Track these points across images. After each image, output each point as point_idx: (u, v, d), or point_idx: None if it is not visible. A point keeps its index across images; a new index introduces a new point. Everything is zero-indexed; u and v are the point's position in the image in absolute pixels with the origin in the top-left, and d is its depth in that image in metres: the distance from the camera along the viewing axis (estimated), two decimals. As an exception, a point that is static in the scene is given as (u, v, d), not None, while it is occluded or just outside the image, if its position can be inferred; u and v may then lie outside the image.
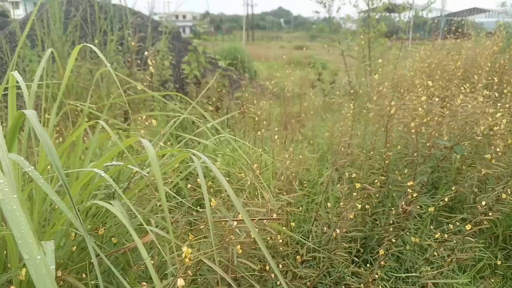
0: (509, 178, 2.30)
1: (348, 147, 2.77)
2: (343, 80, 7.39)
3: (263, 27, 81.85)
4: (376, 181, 2.40)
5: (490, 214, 2.32)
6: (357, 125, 2.84)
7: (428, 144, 2.22)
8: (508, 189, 2.23)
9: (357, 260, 2.14)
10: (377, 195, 2.43)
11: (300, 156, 3.30)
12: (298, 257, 1.64)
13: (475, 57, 3.98)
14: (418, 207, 2.18)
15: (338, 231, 1.67)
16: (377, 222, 2.35)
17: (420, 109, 2.16)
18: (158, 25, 13.62)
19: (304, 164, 3.08)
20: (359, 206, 1.70)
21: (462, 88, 3.15)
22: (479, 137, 2.22)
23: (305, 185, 2.81)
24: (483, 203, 1.85)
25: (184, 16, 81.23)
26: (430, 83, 2.99)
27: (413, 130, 2.17)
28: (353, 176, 2.69)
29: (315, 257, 1.84)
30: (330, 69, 10.11)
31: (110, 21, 4.92)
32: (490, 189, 2.45)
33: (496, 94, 2.86)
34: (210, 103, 4.26)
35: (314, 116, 5.20)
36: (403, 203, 2.08)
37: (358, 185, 1.70)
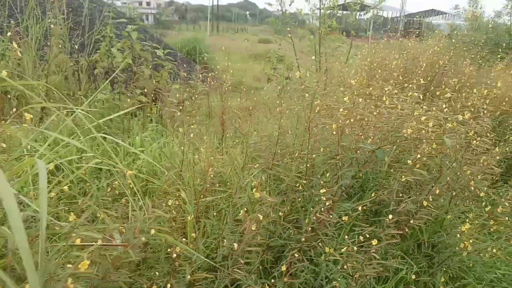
0: (433, 185, 2.22)
1: (276, 146, 2.60)
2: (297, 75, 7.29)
3: (229, 19, 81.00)
4: (298, 184, 2.25)
5: (412, 221, 2.24)
6: (293, 124, 2.67)
7: (353, 146, 2.08)
8: (430, 196, 2.15)
9: (272, 271, 1.98)
10: (299, 199, 2.28)
11: (229, 155, 3.11)
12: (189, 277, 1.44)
13: (417, 57, 3.93)
14: (337, 215, 2.04)
15: (236, 245, 1.48)
16: (299, 230, 2.20)
17: (341, 110, 2.01)
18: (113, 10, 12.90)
19: (233, 164, 2.88)
20: (261, 217, 1.51)
21: (397, 88, 3.07)
22: (403, 141, 2.11)
23: (228, 187, 2.63)
24: (390, 217, 1.72)
25: (148, 3, 78.89)
26: (353, 82, 2.87)
27: (334, 132, 2.02)
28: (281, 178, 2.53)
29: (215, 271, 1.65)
30: (285, 64, 9.98)
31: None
32: (414, 195, 2.37)
33: (434, 97, 2.79)
34: (144, 94, 3.97)
35: (264, 111, 5.03)
36: (317, 210, 1.94)
37: (257, 194, 1.52)
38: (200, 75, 5.03)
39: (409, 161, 2.18)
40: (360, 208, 2.02)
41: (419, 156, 1.98)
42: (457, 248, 2.22)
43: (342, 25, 6.27)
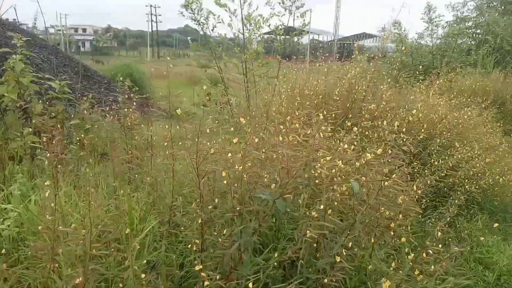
0: (347, 234, 1.92)
1: (172, 195, 2.19)
2: (232, 100, 7.01)
3: (170, 44, 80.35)
4: (190, 245, 1.84)
5: (326, 280, 1.91)
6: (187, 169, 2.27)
7: (248, 196, 1.72)
8: (343, 251, 1.84)
9: None
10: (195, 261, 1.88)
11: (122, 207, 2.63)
12: None
13: (336, 82, 3.74)
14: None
15: None
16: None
17: (229, 154, 1.66)
18: (34, 37, 11.99)
19: (123, 218, 2.42)
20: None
21: (315, 116, 2.81)
22: (312, 185, 1.80)
23: (118, 243, 2.17)
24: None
25: (84, 30, 76.37)
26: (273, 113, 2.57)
27: (225, 182, 1.65)
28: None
29: None
30: (218, 89, 9.68)
31: None
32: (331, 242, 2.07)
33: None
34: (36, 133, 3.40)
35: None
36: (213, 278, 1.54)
37: None
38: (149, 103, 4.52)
39: (321, 206, 1.87)
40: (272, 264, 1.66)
41: (321, 206, 1.66)
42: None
43: (281, 49, 6.07)
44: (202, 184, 1.71)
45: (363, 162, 1.89)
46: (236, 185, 1.76)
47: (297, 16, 5.89)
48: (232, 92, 6.30)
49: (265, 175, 1.95)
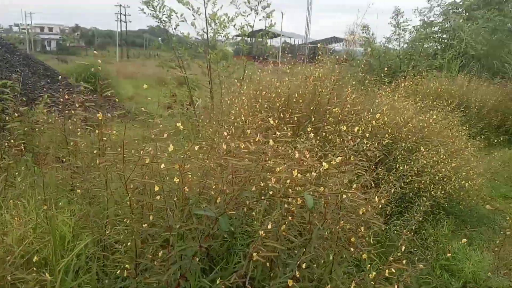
0: (303, 251, 1.72)
1: (107, 211, 1.92)
2: (198, 102, 6.75)
3: (141, 45, 78.60)
4: (120, 271, 1.59)
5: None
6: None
7: (185, 213, 1.49)
8: (298, 270, 1.64)
9: None
10: (130, 288, 1.63)
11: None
12: None
13: (300, 85, 3.57)
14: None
15: None
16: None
17: (162, 166, 1.42)
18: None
19: (54, 235, 2.13)
20: None
21: (277, 120, 2.61)
22: (256, 201, 1.59)
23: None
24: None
25: (50, 29, 73.73)
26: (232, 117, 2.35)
27: (158, 197, 1.41)
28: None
29: None
30: (183, 90, 9.39)
31: None
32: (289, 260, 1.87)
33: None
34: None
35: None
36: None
37: None
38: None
39: (269, 226, 1.66)
40: None
41: (269, 227, 1.45)
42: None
43: (247, 50, 5.86)
44: (133, 198, 1.47)
45: (322, 171, 1.69)
46: (175, 199, 1.52)
47: (263, 16, 5.71)
48: (196, 94, 6.05)
49: (213, 186, 1.73)
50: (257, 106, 3.10)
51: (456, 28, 13.47)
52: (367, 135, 2.63)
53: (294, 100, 3.14)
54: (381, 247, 2.94)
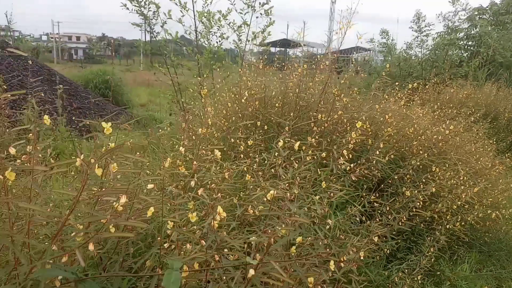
0: None
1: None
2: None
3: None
4: None
5: None
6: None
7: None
8: None
9: None
10: None
11: None
12: None
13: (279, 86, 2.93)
14: None
15: None
16: None
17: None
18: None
19: None
20: None
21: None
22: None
23: None
24: None
25: (78, 38, 75.71)
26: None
27: None
28: None
29: None
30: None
31: None
32: None
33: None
34: None
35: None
36: None
37: None
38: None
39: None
40: None
41: None
42: None
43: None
44: None
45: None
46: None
47: (261, 14, 5.12)
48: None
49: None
50: (225, 112, 2.50)
51: (483, 34, 12.53)
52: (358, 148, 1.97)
53: (273, 104, 2.52)
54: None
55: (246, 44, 5.06)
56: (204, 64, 4.97)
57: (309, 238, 1.41)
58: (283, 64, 3.43)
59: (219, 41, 5.49)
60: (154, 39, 5.24)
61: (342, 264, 1.35)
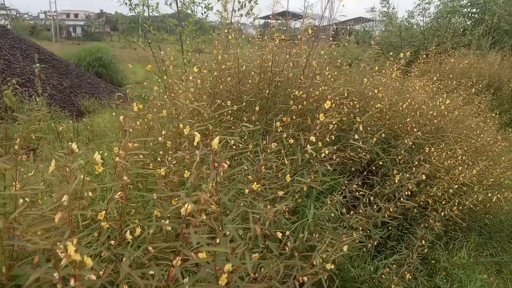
0: None
1: None
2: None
3: (165, 29, 78.14)
4: None
5: None
6: None
7: None
8: None
9: None
10: None
11: None
12: None
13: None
14: None
15: None
16: None
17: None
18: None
19: None
20: None
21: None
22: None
23: None
24: None
25: (76, 15, 74.21)
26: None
27: None
28: None
29: None
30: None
31: None
32: None
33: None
34: None
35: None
36: None
37: None
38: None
39: None
40: None
41: None
42: None
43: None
44: None
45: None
46: None
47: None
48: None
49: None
50: (193, 90, 2.21)
51: (488, 0, 11.94)
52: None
53: (248, 81, 2.23)
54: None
55: (231, 16, 4.69)
56: (188, 38, 4.63)
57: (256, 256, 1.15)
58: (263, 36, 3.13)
59: (205, 12, 5.13)
60: (133, 11, 4.88)
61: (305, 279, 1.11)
